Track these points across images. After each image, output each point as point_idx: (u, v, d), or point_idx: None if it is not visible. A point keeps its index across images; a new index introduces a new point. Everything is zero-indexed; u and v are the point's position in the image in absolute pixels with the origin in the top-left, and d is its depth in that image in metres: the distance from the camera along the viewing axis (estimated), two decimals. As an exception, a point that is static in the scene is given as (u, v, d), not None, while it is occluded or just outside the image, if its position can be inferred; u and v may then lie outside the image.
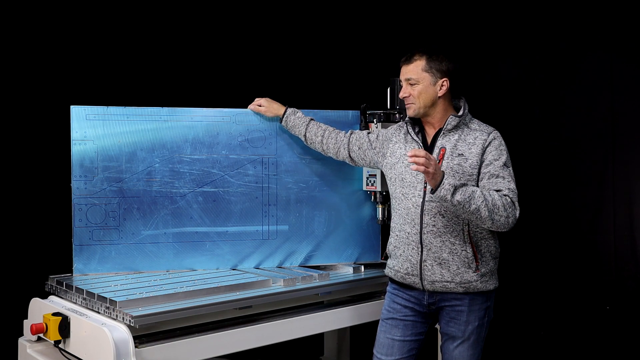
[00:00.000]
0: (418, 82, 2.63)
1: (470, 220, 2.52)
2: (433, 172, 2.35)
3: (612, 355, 3.27)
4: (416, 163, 2.32)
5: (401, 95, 2.68)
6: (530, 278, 3.57)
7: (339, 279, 3.05)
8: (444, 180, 2.37)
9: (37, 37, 3.53)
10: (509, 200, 2.49)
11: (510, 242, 3.40)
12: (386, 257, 2.82)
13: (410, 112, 2.68)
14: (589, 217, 3.37)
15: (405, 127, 2.76)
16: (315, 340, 3.80)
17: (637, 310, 3.20)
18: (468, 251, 2.55)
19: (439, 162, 2.56)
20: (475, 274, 2.56)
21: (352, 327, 3.41)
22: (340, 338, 3.73)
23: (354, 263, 3.25)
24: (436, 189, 2.37)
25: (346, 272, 3.19)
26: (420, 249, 2.60)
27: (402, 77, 2.68)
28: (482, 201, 2.40)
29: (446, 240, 2.56)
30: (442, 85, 2.64)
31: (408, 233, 2.63)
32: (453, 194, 2.36)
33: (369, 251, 3.27)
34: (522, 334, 3.60)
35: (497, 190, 2.51)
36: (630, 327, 3.22)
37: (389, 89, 3.28)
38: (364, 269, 3.21)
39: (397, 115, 3.18)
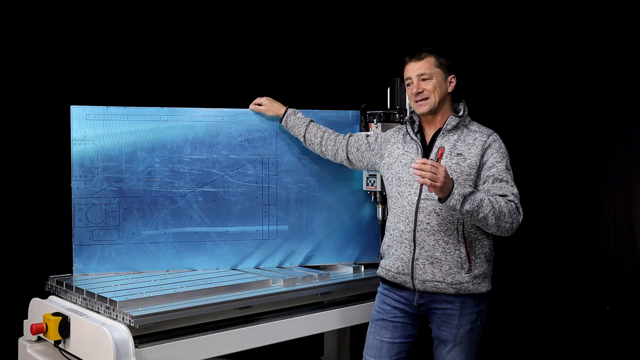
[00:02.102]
0: (432, 76, 2.61)
1: (472, 224, 2.52)
2: (441, 186, 2.29)
3: (612, 355, 3.27)
4: (421, 175, 2.27)
5: (415, 90, 2.61)
6: (530, 278, 3.57)
7: (339, 279, 3.05)
8: (453, 190, 2.33)
9: (37, 37, 3.53)
10: (514, 206, 2.48)
11: (510, 241, 3.40)
12: (380, 258, 2.81)
13: (424, 109, 2.62)
14: (589, 217, 3.37)
15: (404, 129, 2.75)
16: (315, 340, 3.80)
17: (637, 310, 3.20)
18: (461, 251, 2.53)
19: (437, 161, 2.56)
20: (467, 275, 2.54)
21: (352, 327, 3.41)
22: (340, 338, 3.73)
23: (354, 263, 3.25)
24: (445, 199, 2.34)
25: (346, 272, 3.19)
26: (412, 248, 2.58)
27: (412, 73, 2.63)
28: (490, 209, 2.40)
29: (440, 239, 2.54)
30: (450, 82, 2.66)
31: (402, 231, 2.62)
32: (462, 204, 2.35)
33: (369, 251, 3.27)
34: (522, 334, 3.60)
35: (502, 196, 2.50)
36: (630, 327, 3.21)
37: (389, 89, 3.28)
38: (364, 269, 3.21)
39: (397, 115, 3.18)
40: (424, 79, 2.61)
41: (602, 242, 3.32)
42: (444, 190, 2.32)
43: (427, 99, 2.61)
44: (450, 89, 2.66)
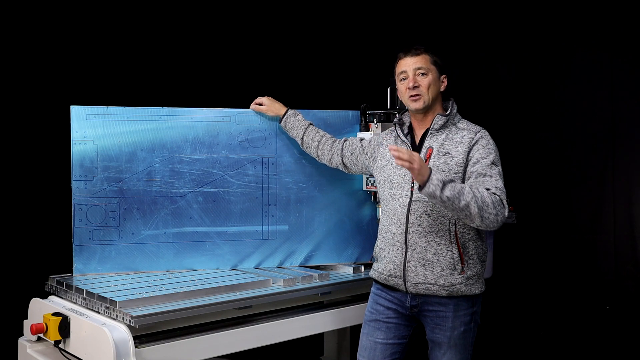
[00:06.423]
0: (428, 72, 2.58)
1: (458, 219, 2.46)
2: (418, 168, 2.26)
3: (612, 355, 3.28)
4: (399, 158, 2.23)
5: (411, 85, 2.57)
6: (530, 278, 3.57)
7: (339, 279, 3.05)
8: (431, 176, 2.28)
9: (37, 37, 3.53)
10: (498, 198, 2.40)
11: (510, 241, 3.40)
12: (374, 260, 2.78)
13: (418, 105, 2.58)
14: (589, 217, 3.37)
15: (395, 131, 2.73)
16: (315, 340, 3.80)
17: (637, 310, 3.20)
18: (454, 252, 2.50)
19: (425, 162, 2.52)
20: (460, 276, 2.50)
21: (352, 327, 3.41)
22: (340, 338, 3.73)
23: (354, 263, 3.25)
24: (424, 186, 2.29)
25: (346, 272, 3.18)
26: (404, 250, 2.55)
27: (409, 67, 2.59)
28: (472, 197, 2.32)
29: (431, 241, 2.51)
30: (442, 81, 2.64)
31: (393, 234, 2.60)
32: (442, 189, 2.28)
33: (369, 251, 3.27)
34: (522, 334, 3.60)
35: (485, 189, 2.43)
36: (630, 327, 3.22)
37: (389, 89, 3.28)
38: (364, 269, 3.20)
39: (397, 115, 3.18)
40: (421, 74, 2.58)
41: (602, 242, 3.32)
42: (422, 174, 2.27)
43: (421, 95, 2.57)
44: (442, 89, 2.64)
